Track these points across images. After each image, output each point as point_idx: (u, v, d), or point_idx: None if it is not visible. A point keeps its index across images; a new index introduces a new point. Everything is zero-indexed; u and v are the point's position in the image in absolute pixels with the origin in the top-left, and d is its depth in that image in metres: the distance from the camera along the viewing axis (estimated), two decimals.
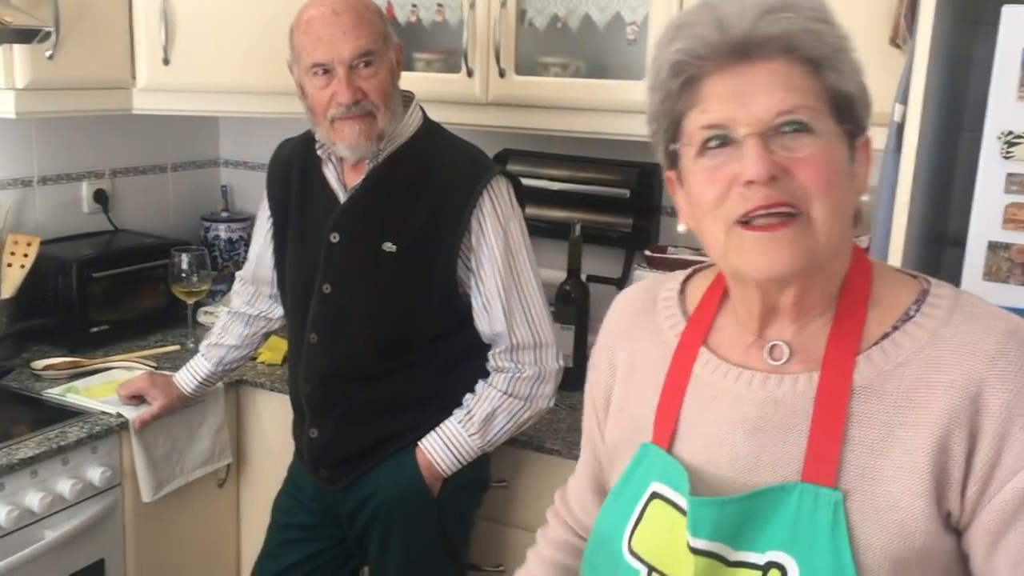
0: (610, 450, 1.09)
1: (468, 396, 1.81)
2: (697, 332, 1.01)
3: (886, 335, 0.92)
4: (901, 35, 1.67)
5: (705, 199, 0.90)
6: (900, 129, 1.58)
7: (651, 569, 0.94)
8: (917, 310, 0.92)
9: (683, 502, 0.93)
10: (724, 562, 0.90)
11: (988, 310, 0.92)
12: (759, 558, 0.89)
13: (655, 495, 0.96)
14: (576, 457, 1.88)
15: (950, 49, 1.70)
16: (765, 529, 0.89)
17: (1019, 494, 0.86)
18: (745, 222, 0.88)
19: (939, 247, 1.95)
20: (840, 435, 0.89)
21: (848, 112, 0.90)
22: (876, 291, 0.94)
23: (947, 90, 1.74)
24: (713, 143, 0.89)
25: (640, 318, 1.08)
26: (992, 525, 0.87)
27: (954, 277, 1.56)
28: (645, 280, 1.14)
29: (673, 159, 0.95)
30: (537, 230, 2.32)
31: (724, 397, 0.96)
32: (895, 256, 1.59)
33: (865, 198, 0.94)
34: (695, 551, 0.90)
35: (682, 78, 0.90)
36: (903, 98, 1.58)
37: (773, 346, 0.96)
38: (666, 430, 0.99)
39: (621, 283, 2.37)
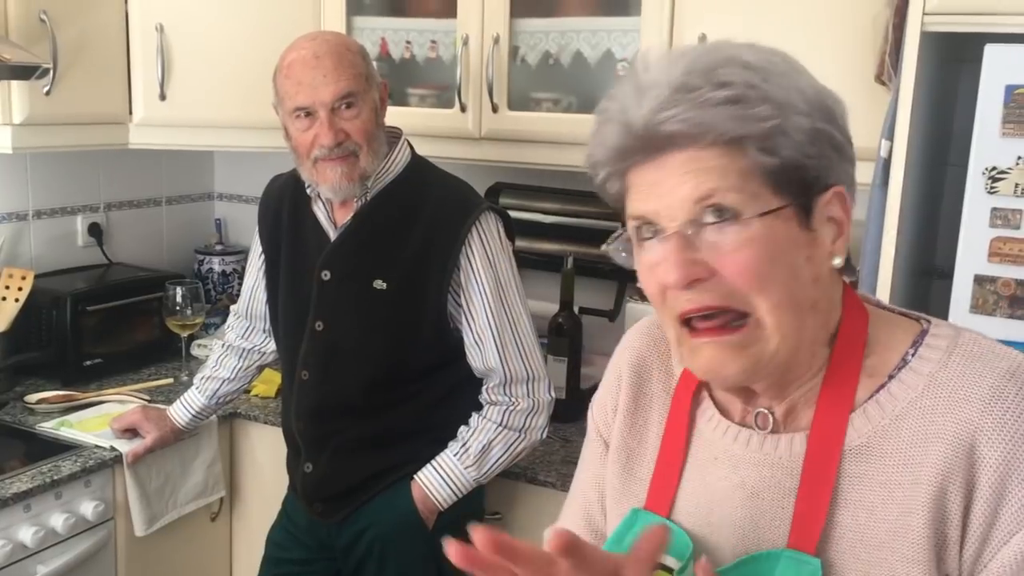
0: (608, 486, 1.04)
1: (463, 428, 1.81)
2: (693, 381, 0.95)
3: (882, 386, 0.85)
4: (886, 72, 1.70)
5: (648, 292, 0.84)
6: (886, 164, 1.61)
7: None
8: (914, 354, 0.85)
9: (674, 563, 0.88)
10: None
11: (991, 348, 0.84)
12: None
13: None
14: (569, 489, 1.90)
15: (934, 86, 1.73)
16: None
17: (1018, 557, 0.78)
18: (687, 323, 0.82)
19: (927, 280, 1.97)
20: (827, 499, 0.83)
21: (795, 182, 0.80)
22: (872, 339, 0.87)
23: (932, 126, 1.78)
24: (647, 234, 0.83)
25: (652, 353, 1.01)
26: None
27: (942, 310, 1.58)
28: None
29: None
30: (530, 263, 2.35)
31: (724, 458, 0.91)
32: (884, 289, 1.62)
33: (836, 262, 0.85)
34: None
35: (603, 173, 0.85)
36: (889, 134, 1.61)
37: (759, 414, 0.90)
38: (667, 493, 0.93)
39: (613, 315, 2.39)
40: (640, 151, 0.81)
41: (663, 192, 0.80)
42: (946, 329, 0.87)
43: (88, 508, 1.96)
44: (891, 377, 0.85)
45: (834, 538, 0.83)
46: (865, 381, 0.86)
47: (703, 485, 0.92)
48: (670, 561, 0.89)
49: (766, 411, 0.89)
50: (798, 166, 0.80)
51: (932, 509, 0.80)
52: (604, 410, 1.05)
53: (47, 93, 2.10)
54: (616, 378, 1.03)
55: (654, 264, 0.82)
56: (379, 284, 1.75)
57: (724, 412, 0.92)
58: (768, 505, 0.87)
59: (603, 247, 0.90)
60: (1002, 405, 0.79)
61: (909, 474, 0.82)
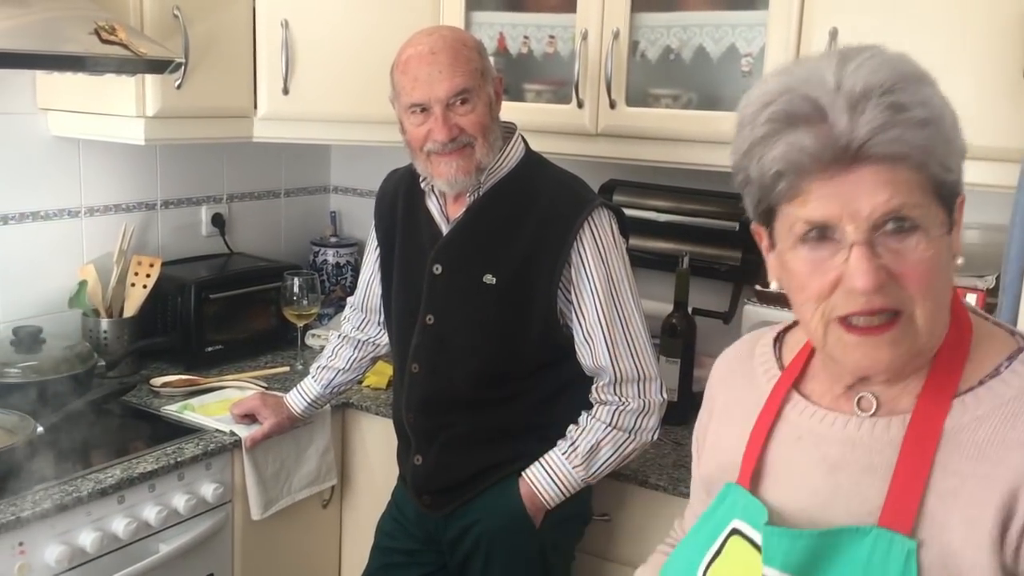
0: (700, 486, 1.15)
1: (572, 427, 1.80)
2: (790, 379, 1.04)
3: (970, 388, 0.92)
4: None
5: (808, 289, 0.90)
6: None
7: None
8: (1008, 367, 0.92)
9: (759, 538, 0.95)
10: None
11: None
12: None
13: (735, 531, 0.99)
14: (680, 493, 1.87)
15: None
16: (836, 568, 0.90)
17: None
18: (845, 319, 0.89)
19: None
20: (923, 483, 0.89)
21: (951, 196, 0.89)
22: (972, 344, 0.94)
23: None
24: (812, 235, 0.89)
25: (738, 366, 1.13)
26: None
27: None
28: (747, 335, 1.18)
29: (766, 218, 0.95)
30: (643, 262, 2.31)
31: (808, 437, 0.99)
32: None
33: (960, 261, 0.92)
34: None
35: (783, 182, 0.88)
36: None
37: (861, 397, 0.97)
38: (749, 469, 1.02)
39: (728, 317, 2.33)
40: (840, 162, 0.85)
41: (849, 199, 0.85)
42: None
43: (208, 490, 2.02)
44: (981, 383, 0.91)
45: (921, 519, 0.88)
46: (960, 383, 0.93)
47: (785, 463, 1.00)
48: (748, 529, 0.97)
49: (871, 395, 0.96)
50: (955, 180, 0.88)
51: (1002, 506, 0.86)
52: (700, 420, 1.19)
53: (178, 87, 2.16)
54: (710, 395, 1.18)
55: (827, 262, 0.88)
56: (489, 279, 1.75)
57: (813, 401, 1.01)
58: (847, 480, 0.94)
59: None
60: None
61: (983, 469, 0.87)
